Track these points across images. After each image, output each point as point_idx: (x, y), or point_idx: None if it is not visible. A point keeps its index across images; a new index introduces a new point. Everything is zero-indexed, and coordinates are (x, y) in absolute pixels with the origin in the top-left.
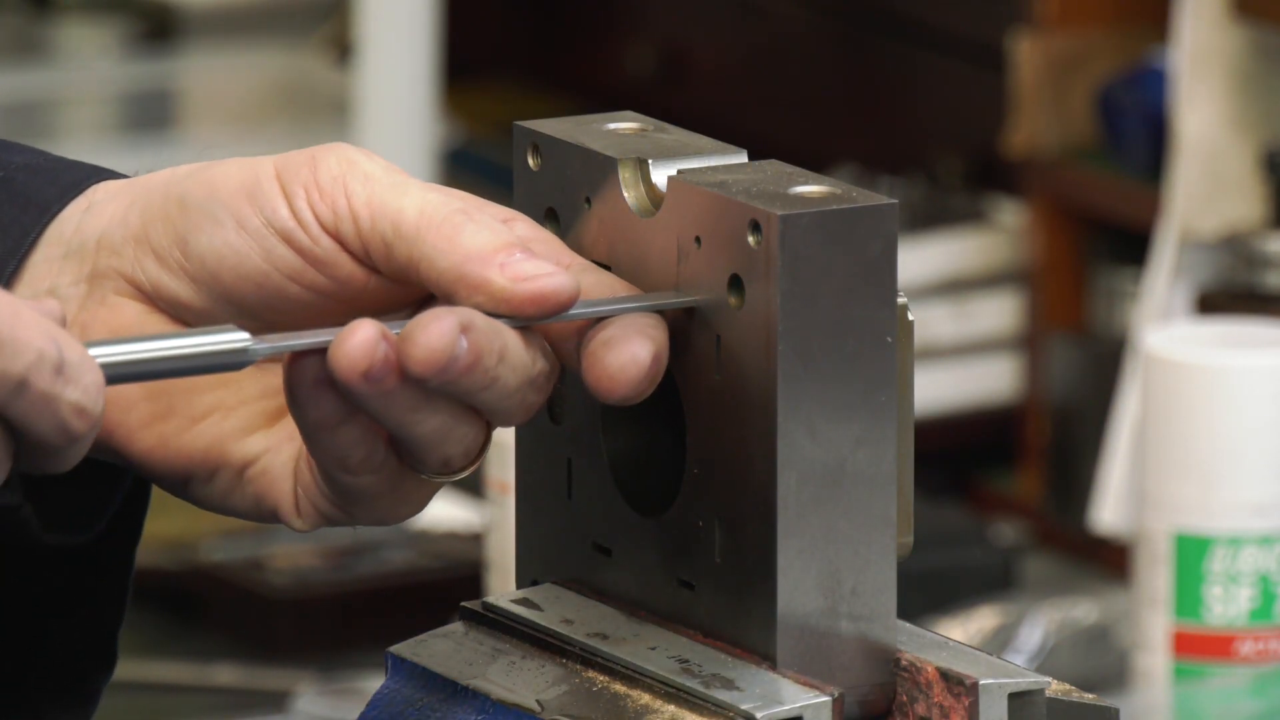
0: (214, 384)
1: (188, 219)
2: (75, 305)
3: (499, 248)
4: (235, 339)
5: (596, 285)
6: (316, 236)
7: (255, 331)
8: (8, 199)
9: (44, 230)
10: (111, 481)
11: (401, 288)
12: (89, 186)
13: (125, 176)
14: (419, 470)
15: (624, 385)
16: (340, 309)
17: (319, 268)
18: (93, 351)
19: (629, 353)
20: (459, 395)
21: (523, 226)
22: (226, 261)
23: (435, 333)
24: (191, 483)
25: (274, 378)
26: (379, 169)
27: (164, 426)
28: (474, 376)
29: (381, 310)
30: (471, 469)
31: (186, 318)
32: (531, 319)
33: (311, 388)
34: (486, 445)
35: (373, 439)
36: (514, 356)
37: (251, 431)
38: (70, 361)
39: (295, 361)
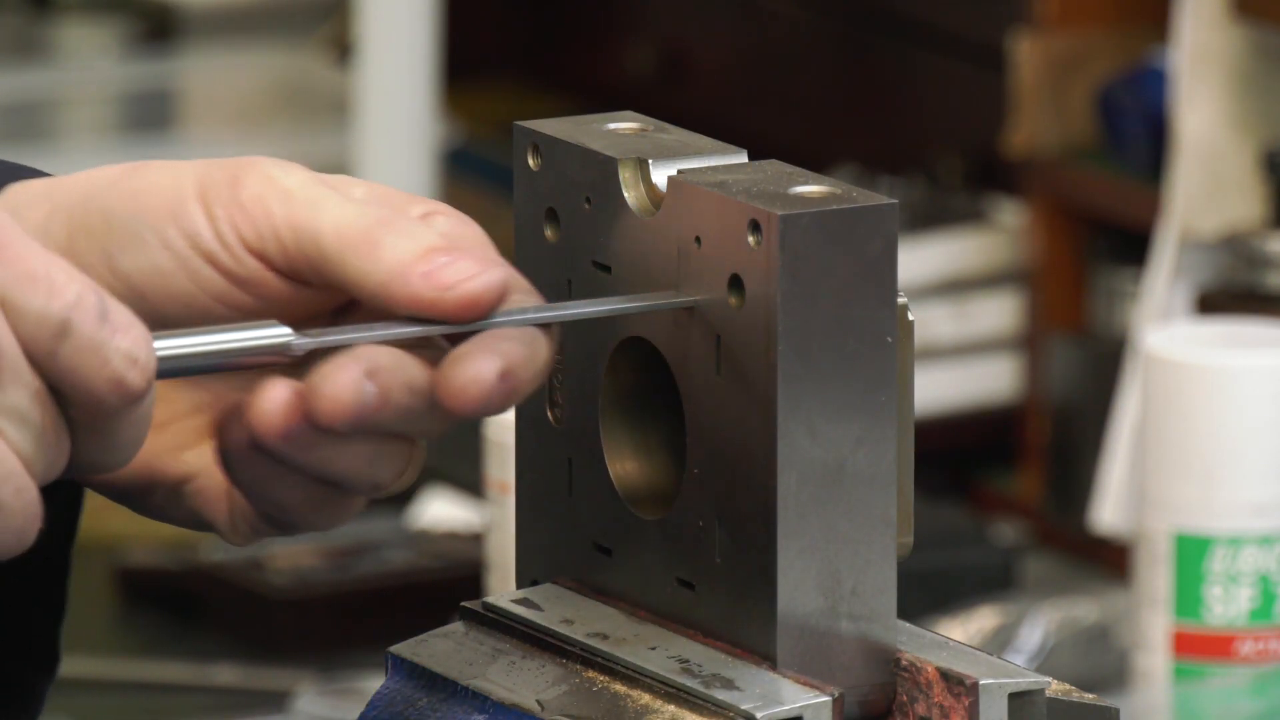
0: None
1: (112, 236)
2: None
3: (419, 256)
4: (278, 333)
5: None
6: (240, 258)
7: None
8: None
9: None
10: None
11: (329, 299)
12: (4, 186)
13: (43, 174)
14: (349, 494)
15: (466, 403)
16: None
17: (245, 288)
18: None
19: (474, 369)
20: (377, 431)
21: (444, 221)
22: (153, 281)
23: (340, 384)
24: (129, 496)
25: (204, 393)
26: (297, 184)
27: None
28: (386, 414)
29: (318, 315)
30: (404, 482)
31: None
32: (467, 323)
33: (242, 451)
34: (419, 458)
35: (306, 484)
36: (425, 384)
37: (185, 448)
38: (115, 308)
39: (223, 429)
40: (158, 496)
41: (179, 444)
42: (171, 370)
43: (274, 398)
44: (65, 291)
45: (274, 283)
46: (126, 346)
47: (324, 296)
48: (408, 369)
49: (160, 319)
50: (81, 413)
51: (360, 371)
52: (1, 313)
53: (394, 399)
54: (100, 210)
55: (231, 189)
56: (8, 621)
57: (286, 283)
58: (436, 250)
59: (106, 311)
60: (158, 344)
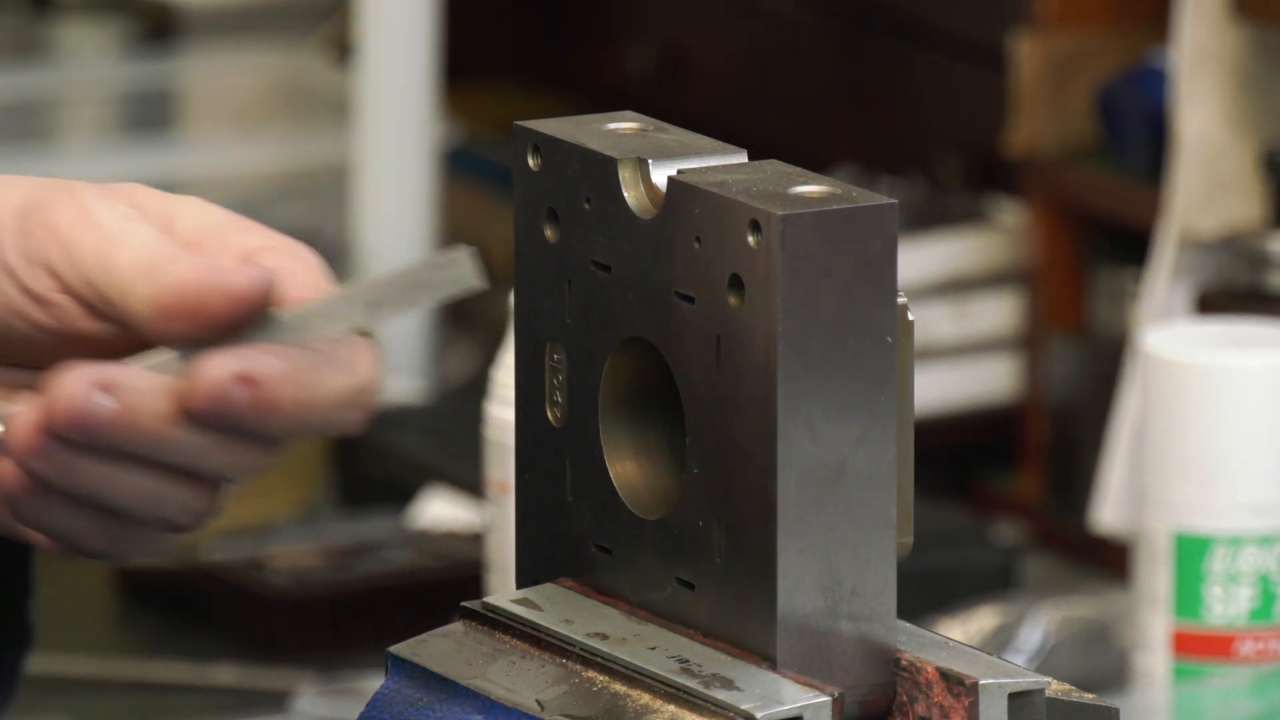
0: None
1: None
2: None
3: (196, 271)
4: None
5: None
6: (38, 274)
7: None
8: None
9: None
10: None
11: (128, 337)
12: None
13: None
14: (145, 530)
15: (198, 399)
16: (72, 348)
17: (42, 307)
18: None
19: (208, 365)
20: (142, 458)
21: (270, 258)
22: None
23: (67, 388)
24: None
25: None
26: (109, 215)
27: None
28: (136, 436)
29: (125, 353)
30: (207, 522)
31: None
32: (243, 322)
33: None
34: (218, 503)
35: (80, 513)
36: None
37: None
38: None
39: None
40: None
41: None
42: None
43: (17, 422)
44: None
45: (72, 307)
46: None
47: (125, 335)
48: (146, 384)
49: None
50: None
51: (89, 382)
52: None
53: (141, 420)
54: None
55: (46, 211)
56: None
57: (82, 309)
58: (215, 267)
59: None
60: None
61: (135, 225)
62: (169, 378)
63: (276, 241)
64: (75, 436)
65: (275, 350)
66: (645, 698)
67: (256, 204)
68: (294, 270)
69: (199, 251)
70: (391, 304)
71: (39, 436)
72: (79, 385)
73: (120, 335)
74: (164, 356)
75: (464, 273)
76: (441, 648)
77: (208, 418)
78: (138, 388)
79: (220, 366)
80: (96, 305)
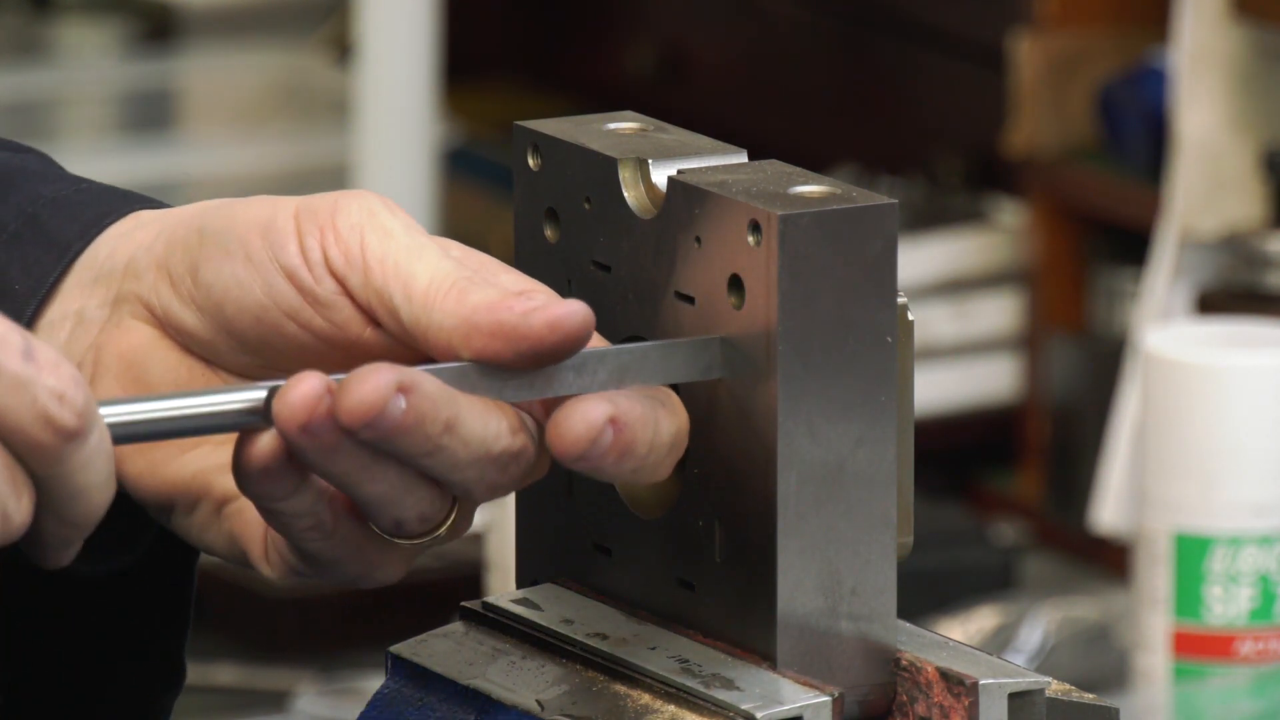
0: None
1: (204, 248)
2: (98, 327)
3: (507, 296)
4: (249, 397)
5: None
6: (320, 277)
7: (254, 367)
8: (33, 237)
9: (66, 271)
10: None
11: (400, 346)
12: (119, 217)
13: (163, 205)
14: (377, 528)
15: (570, 444)
16: (338, 355)
17: (318, 309)
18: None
19: (582, 409)
20: (403, 459)
21: (542, 296)
22: (230, 293)
23: (369, 386)
24: (175, 511)
25: None
26: (399, 226)
27: (154, 452)
28: (413, 440)
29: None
30: (435, 536)
31: (191, 345)
32: (552, 354)
33: (255, 463)
34: (454, 516)
35: (319, 509)
36: (466, 429)
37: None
38: (40, 349)
39: (242, 439)
40: (200, 514)
41: (230, 462)
42: (135, 435)
43: (304, 388)
44: None
45: (348, 310)
46: (53, 384)
47: (396, 346)
48: (456, 404)
49: (234, 333)
50: (26, 459)
51: (394, 380)
52: None
53: (426, 428)
54: (198, 227)
55: (330, 212)
56: (134, 636)
57: (359, 314)
58: (525, 294)
59: (31, 350)
60: (118, 409)
61: (425, 239)
62: (462, 395)
63: (540, 287)
64: (359, 431)
65: (633, 394)
66: (645, 698)
67: None
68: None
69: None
70: (639, 374)
71: (321, 418)
72: (382, 384)
73: (394, 349)
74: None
75: (714, 361)
76: (441, 648)
77: (573, 462)
78: (433, 395)
79: (593, 410)
80: (379, 314)
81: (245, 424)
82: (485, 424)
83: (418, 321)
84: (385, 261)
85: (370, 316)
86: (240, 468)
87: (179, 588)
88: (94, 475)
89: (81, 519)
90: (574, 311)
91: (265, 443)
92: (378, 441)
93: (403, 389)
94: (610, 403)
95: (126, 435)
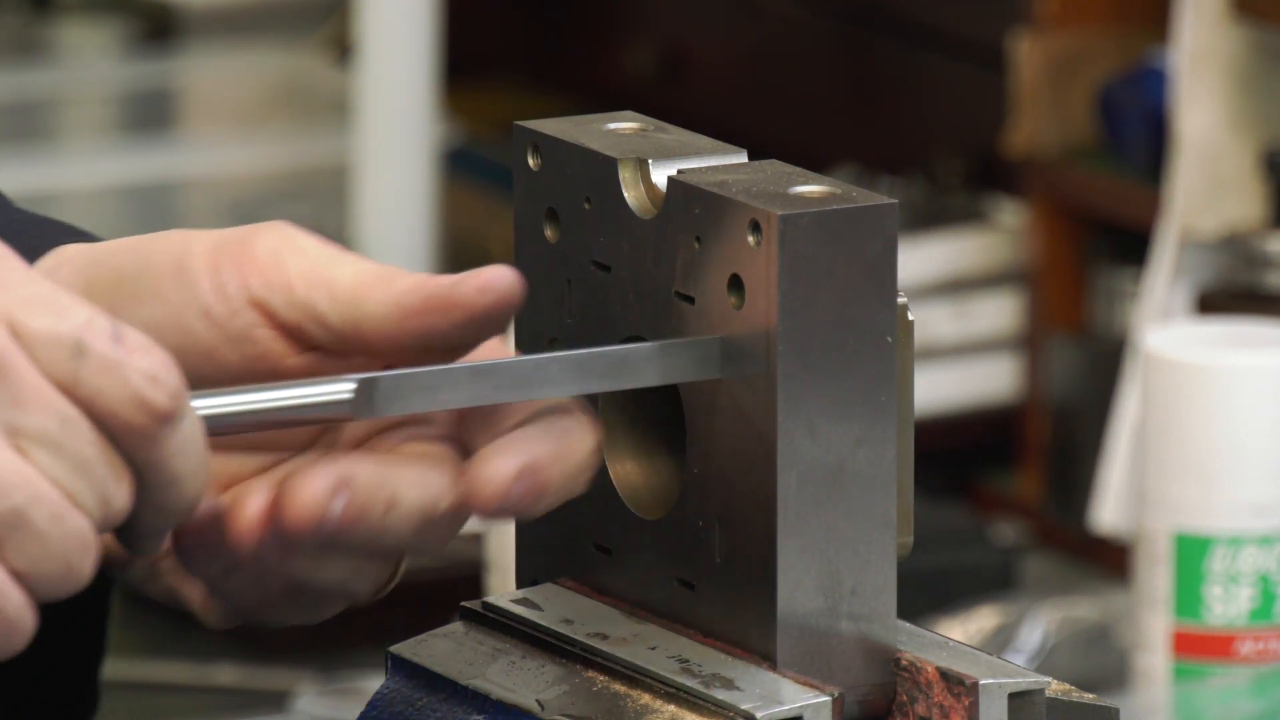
0: None
1: (119, 291)
2: None
3: (432, 277)
4: (339, 390)
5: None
6: (238, 310)
7: None
8: None
9: None
10: None
11: (331, 362)
12: (49, 250)
13: (91, 238)
14: (324, 600)
15: (485, 501)
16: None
17: (235, 345)
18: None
19: (491, 467)
20: (353, 548)
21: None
22: (148, 336)
23: (307, 495)
24: (112, 564)
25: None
26: (314, 244)
27: None
28: (360, 530)
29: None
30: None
31: None
32: (486, 318)
33: (200, 548)
34: (398, 572)
35: (261, 586)
36: (408, 502)
37: None
38: (129, 333)
39: (185, 533)
40: (137, 570)
41: None
42: (229, 427)
43: (248, 512)
44: (73, 314)
45: (269, 343)
46: (145, 365)
47: (323, 366)
48: (391, 483)
49: None
50: (122, 443)
51: (331, 481)
52: (15, 340)
53: (369, 516)
54: (114, 267)
55: (245, 244)
56: (50, 664)
57: (282, 343)
58: (447, 276)
59: (120, 334)
60: (208, 400)
61: (343, 253)
62: (398, 469)
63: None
64: (306, 538)
65: (540, 435)
66: (645, 698)
67: (256, 204)
68: None
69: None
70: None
71: (267, 531)
72: (320, 490)
73: (324, 366)
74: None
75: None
76: (441, 648)
77: (486, 515)
78: (370, 481)
79: (505, 466)
80: (308, 329)
81: (333, 416)
82: (426, 489)
83: (349, 318)
84: (306, 274)
85: (297, 339)
86: (181, 551)
87: (96, 614)
88: (188, 462)
89: (176, 506)
90: (501, 273)
91: (199, 532)
92: (326, 542)
93: (340, 487)
94: (521, 455)
95: (217, 427)
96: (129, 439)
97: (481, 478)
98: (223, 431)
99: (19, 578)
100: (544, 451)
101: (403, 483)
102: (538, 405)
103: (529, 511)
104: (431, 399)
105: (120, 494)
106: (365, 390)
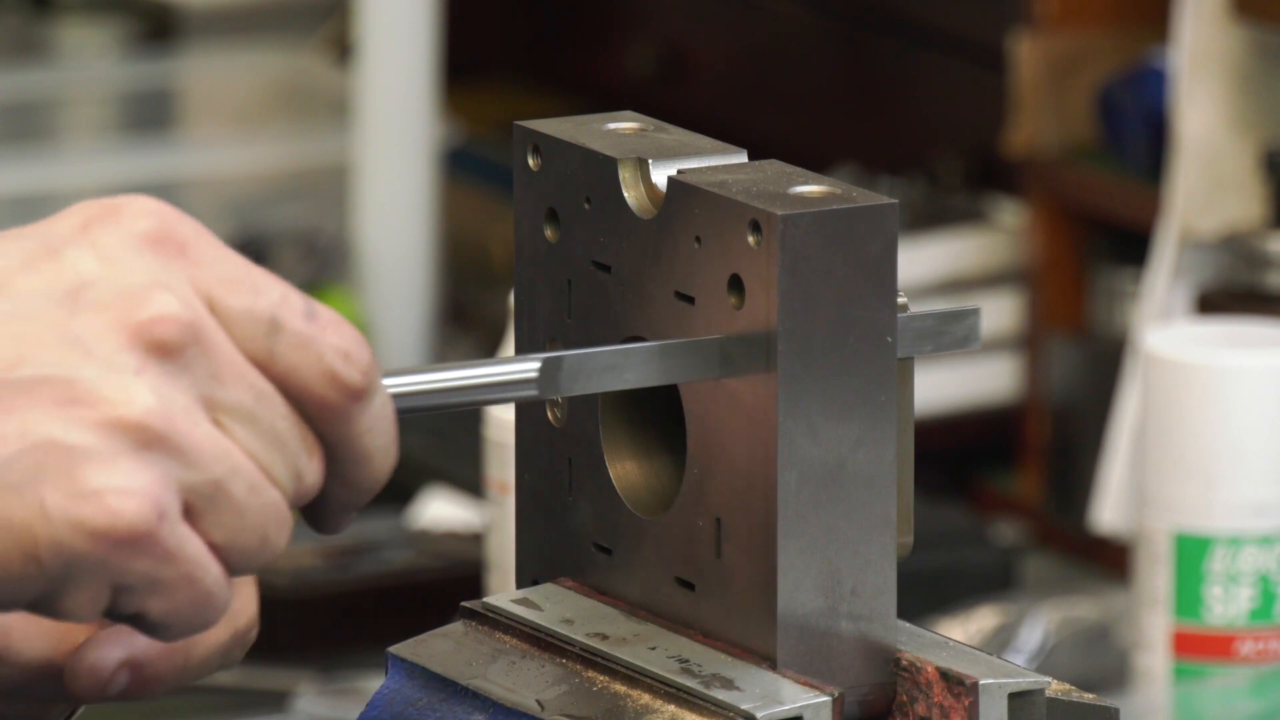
0: None
1: None
2: None
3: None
4: (525, 368)
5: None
6: None
7: None
8: None
9: None
10: None
11: None
12: None
13: None
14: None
15: (83, 688)
16: None
17: None
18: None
19: (95, 655)
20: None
21: None
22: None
23: (87, 665)
24: None
25: None
26: None
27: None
28: (160, 686)
29: None
30: None
31: None
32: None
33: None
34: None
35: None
36: (204, 650)
37: None
38: (322, 309)
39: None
40: None
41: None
42: (418, 405)
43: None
44: (269, 291)
45: None
46: (337, 342)
47: None
48: (186, 650)
49: None
50: (314, 420)
51: (118, 665)
52: (212, 315)
53: (165, 682)
54: None
55: None
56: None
57: None
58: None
59: (314, 310)
60: (399, 379)
61: None
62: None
63: None
64: (86, 697)
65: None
66: (645, 698)
67: (256, 204)
68: None
69: None
70: (897, 345)
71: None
72: (107, 666)
73: None
74: None
75: (972, 331)
76: (441, 648)
77: (87, 697)
78: (155, 659)
79: (107, 656)
80: None
81: (520, 396)
82: (216, 636)
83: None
84: None
85: None
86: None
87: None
88: (379, 439)
89: (366, 484)
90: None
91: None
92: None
93: (127, 666)
94: (128, 648)
95: (406, 405)
96: (321, 415)
97: (84, 664)
98: (412, 410)
99: (217, 550)
100: (155, 647)
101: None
102: None
103: (140, 699)
104: (616, 378)
105: (312, 469)
106: (550, 369)
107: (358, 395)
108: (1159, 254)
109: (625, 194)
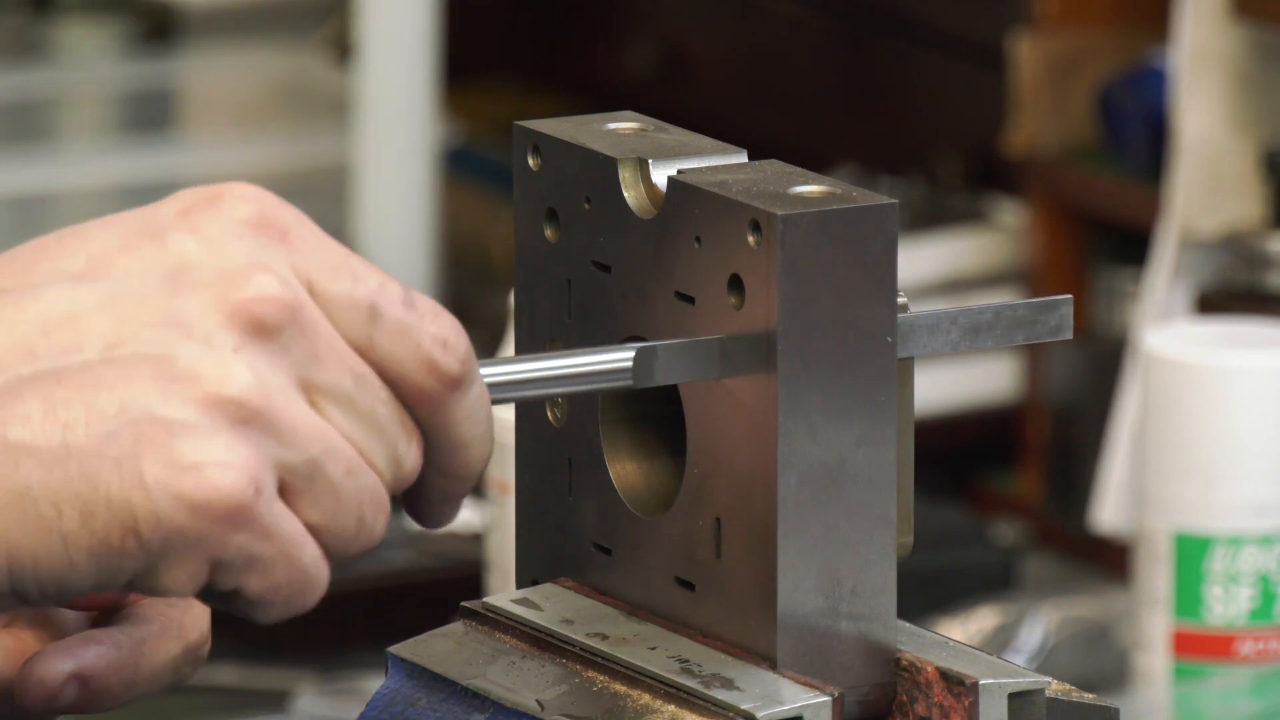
0: None
1: None
2: None
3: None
4: (620, 358)
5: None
6: None
7: None
8: None
9: None
10: None
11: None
12: None
13: None
14: None
15: (31, 701)
16: None
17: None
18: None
19: (43, 668)
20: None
21: None
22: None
23: (37, 678)
24: None
25: None
26: None
27: None
28: (110, 699)
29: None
30: None
31: None
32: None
33: None
34: None
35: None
36: (153, 664)
37: None
38: (420, 298)
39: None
40: None
41: None
42: (515, 395)
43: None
44: (368, 279)
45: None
46: (436, 331)
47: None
48: (136, 659)
49: None
50: (412, 408)
51: (65, 678)
52: (313, 299)
53: (114, 696)
54: None
55: None
56: None
57: None
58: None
59: (412, 299)
60: (496, 368)
61: None
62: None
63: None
64: (35, 710)
65: (106, 640)
66: (645, 698)
67: None
68: None
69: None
70: (989, 335)
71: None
72: (55, 679)
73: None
74: None
75: (1065, 321)
76: (441, 648)
77: (35, 710)
78: (103, 672)
79: (56, 668)
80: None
81: (613, 384)
82: (167, 650)
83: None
84: None
85: None
86: None
87: None
88: (476, 427)
89: (464, 472)
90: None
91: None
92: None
93: (75, 678)
94: (76, 660)
95: (503, 394)
96: (419, 402)
97: (33, 677)
98: (507, 399)
99: (314, 531)
100: (104, 660)
101: (147, 647)
102: (131, 611)
103: (87, 712)
104: (709, 369)
105: (410, 455)
106: (644, 359)
107: (455, 383)
108: (1159, 254)
109: (625, 194)
